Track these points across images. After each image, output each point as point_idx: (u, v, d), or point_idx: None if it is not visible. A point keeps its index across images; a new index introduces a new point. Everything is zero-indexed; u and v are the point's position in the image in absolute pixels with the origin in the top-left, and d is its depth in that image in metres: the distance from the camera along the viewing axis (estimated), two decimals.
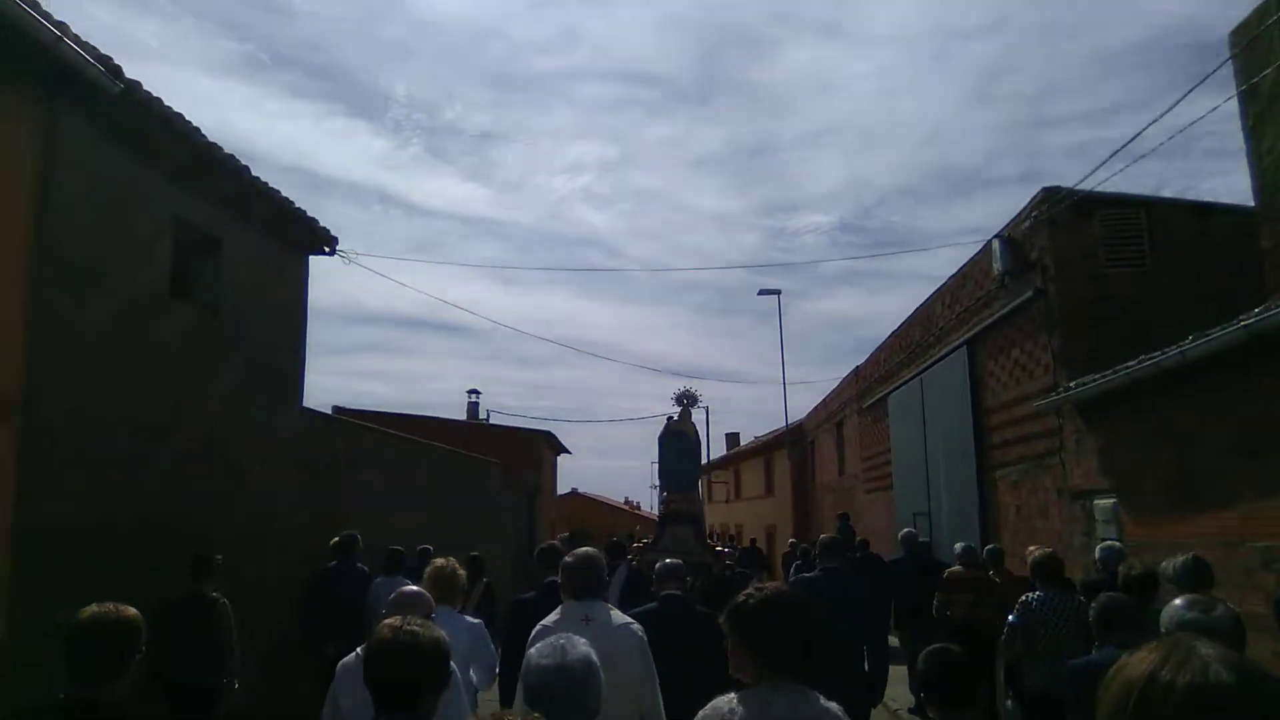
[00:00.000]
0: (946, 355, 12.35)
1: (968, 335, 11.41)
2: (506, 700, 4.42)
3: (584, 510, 62.69)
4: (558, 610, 3.73)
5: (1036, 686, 5.70)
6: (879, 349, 17.40)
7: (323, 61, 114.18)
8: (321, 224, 9.42)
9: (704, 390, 15.70)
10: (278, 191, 8.54)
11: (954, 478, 12.21)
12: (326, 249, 9.73)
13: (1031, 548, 8.31)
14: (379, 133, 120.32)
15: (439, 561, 4.49)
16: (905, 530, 11.50)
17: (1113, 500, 7.79)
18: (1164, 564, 4.40)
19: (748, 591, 2.46)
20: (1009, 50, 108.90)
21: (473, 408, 29.82)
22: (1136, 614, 3.83)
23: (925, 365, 13.53)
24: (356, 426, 11.69)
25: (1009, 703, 7.87)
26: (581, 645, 2.24)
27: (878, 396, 17.10)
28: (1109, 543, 6.91)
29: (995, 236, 10.05)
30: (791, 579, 6.98)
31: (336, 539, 8.24)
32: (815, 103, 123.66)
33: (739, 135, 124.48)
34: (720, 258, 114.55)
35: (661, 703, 3.57)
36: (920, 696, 2.72)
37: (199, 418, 7.52)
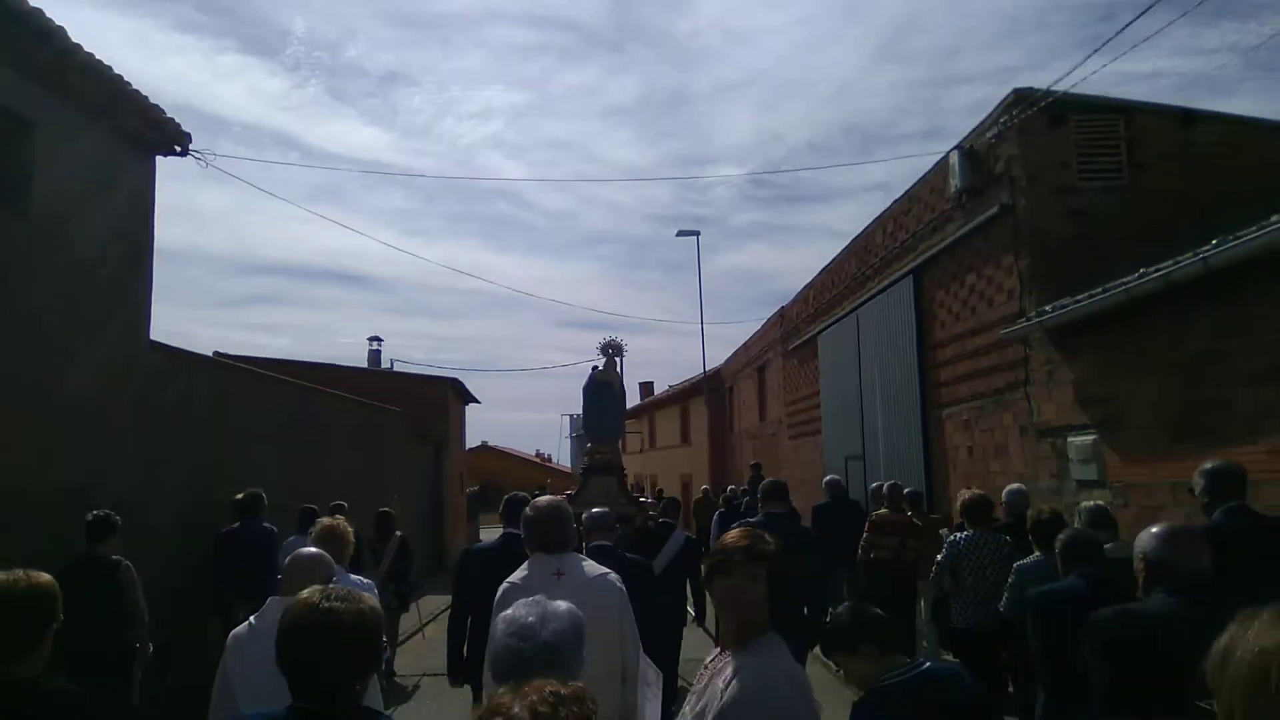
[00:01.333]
0: (889, 287, 11.42)
1: (915, 263, 10.47)
2: (454, 660, 4.41)
3: (494, 463, 61.63)
4: (525, 565, 3.43)
5: (962, 622, 5.86)
6: (807, 287, 16.47)
7: None
8: (171, 116, 7.77)
9: (621, 339, 15.09)
10: (109, 68, 6.88)
11: (894, 418, 11.38)
12: (177, 148, 8.07)
13: (963, 490, 7.84)
14: (275, 71, 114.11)
15: (325, 521, 4.25)
16: (830, 477, 10.80)
17: (1092, 436, 6.95)
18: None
19: (759, 535, 2.29)
20: (917, 7, 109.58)
21: (374, 356, 27.97)
22: (1100, 548, 3.88)
23: (862, 300, 12.61)
24: (227, 367, 10.09)
25: (925, 642, 7.99)
26: (561, 614, 1.90)
27: (806, 337, 16.21)
28: (1015, 486, 6.89)
29: (954, 149, 9.06)
30: (735, 525, 6.07)
31: (240, 496, 7.78)
32: (729, 54, 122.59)
33: (652, 86, 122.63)
34: (632, 211, 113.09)
35: (642, 657, 3.36)
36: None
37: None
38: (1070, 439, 7.25)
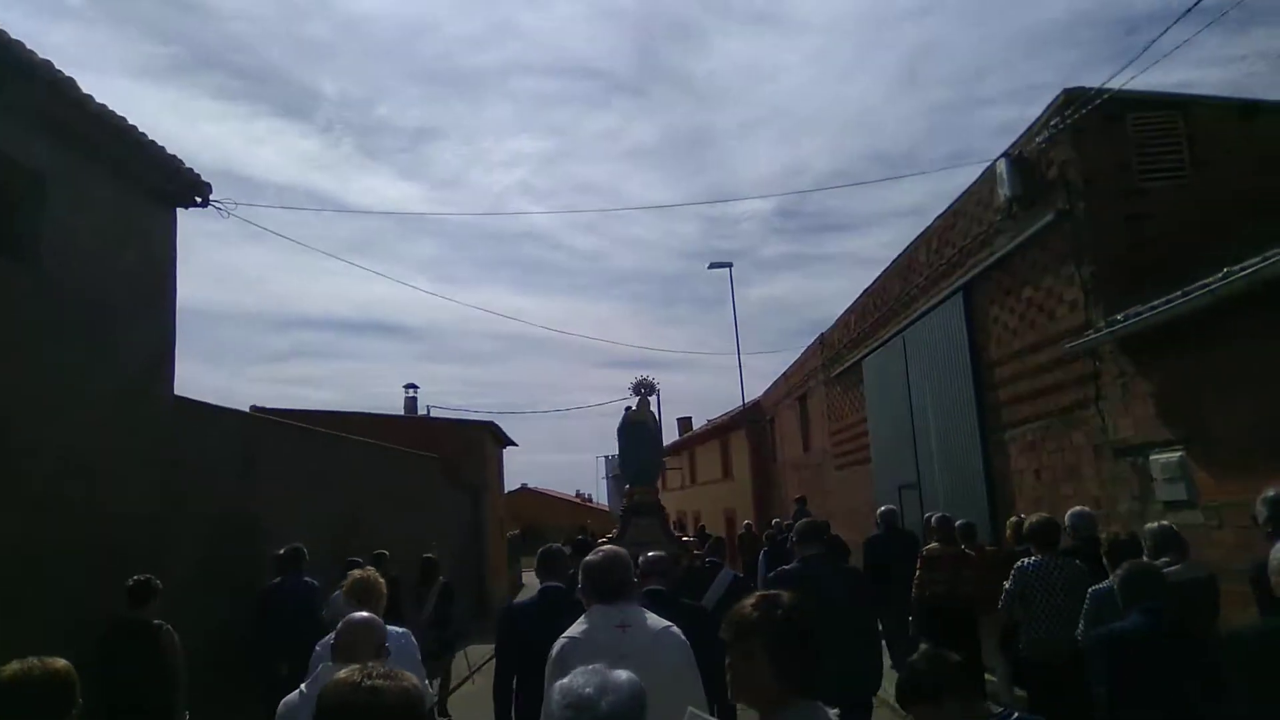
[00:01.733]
0: (937, 306, 10.92)
1: (963, 280, 9.98)
2: (502, 714, 4.19)
3: (534, 506, 61.22)
4: (584, 618, 3.23)
5: (1032, 652, 5.63)
6: (848, 311, 15.98)
7: (248, 62, 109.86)
8: (189, 166, 7.58)
9: (653, 377, 15.00)
10: (123, 119, 6.69)
11: (950, 443, 10.81)
12: (197, 199, 7.87)
13: (1012, 518, 7.54)
14: (308, 133, 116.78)
15: (356, 573, 4.18)
16: (884, 508, 10.32)
17: (1178, 453, 6.38)
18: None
19: (761, 600, 2.10)
20: (936, 33, 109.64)
21: (411, 403, 27.84)
22: (1162, 580, 3.74)
23: (908, 321, 12.11)
24: (256, 420, 9.84)
25: (994, 676, 7.60)
26: (621, 684, 1.73)
27: (849, 363, 15.69)
28: (1079, 509, 6.50)
29: (1002, 156, 8.61)
30: (770, 574, 6.37)
31: (281, 551, 7.76)
32: (749, 91, 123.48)
33: (676, 126, 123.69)
34: (661, 247, 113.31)
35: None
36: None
37: (15, 402, 5.69)
38: (1153, 457, 6.68)
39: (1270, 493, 4.08)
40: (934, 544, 7.83)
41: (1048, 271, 8.15)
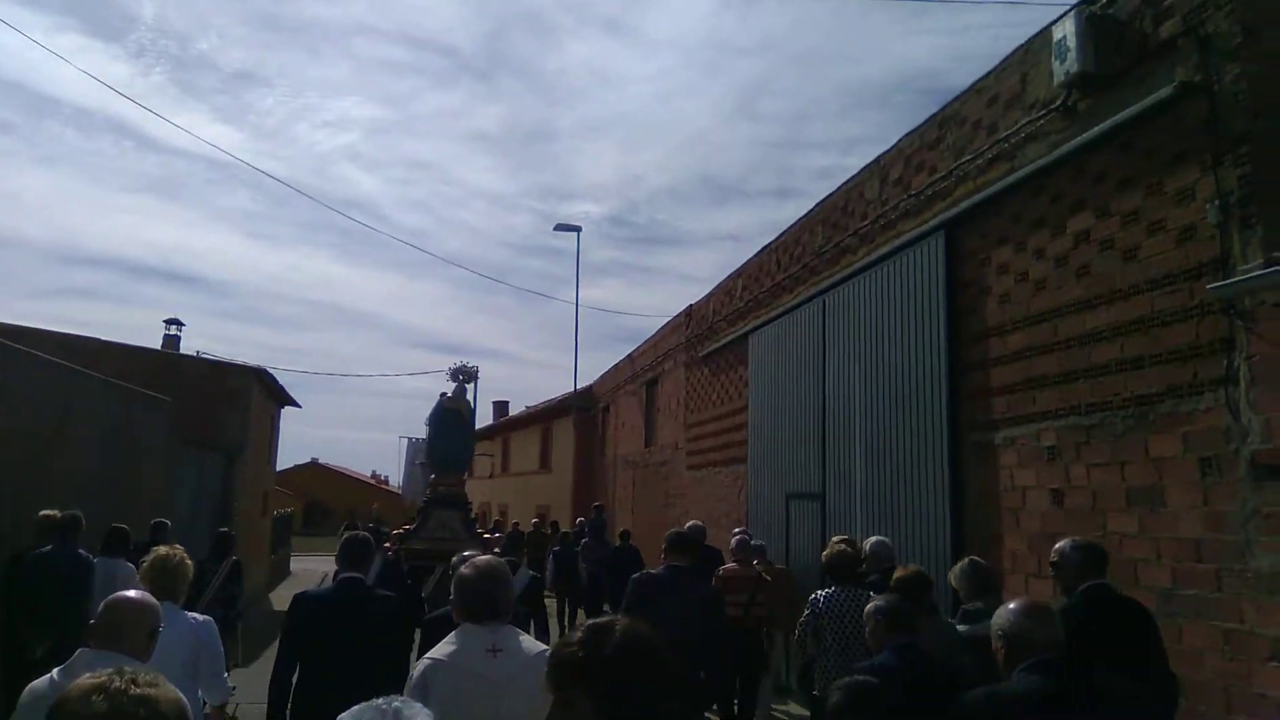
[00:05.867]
0: (893, 254, 7.96)
1: (950, 214, 7.05)
2: (277, 709, 3.94)
3: (323, 482, 55.76)
4: (453, 638, 2.88)
5: (824, 688, 5.20)
6: (733, 275, 12.92)
7: None
8: None
9: (473, 364, 12.61)
10: None
11: (886, 444, 7.90)
12: None
13: (838, 542, 6.11)
14: (118, 56, 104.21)
15: (161, 550, 3.77)
16: (690, 524, 8.39)
17: None
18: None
19: (587, 632, 1.64)
20: (773, 72, 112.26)
21: (171, 342, 22.57)
22: (914, 617, 3.75)
23: (835, 279, 9.13)
24: None
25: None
26: None
27: (728, 338, 12.66)
28: (878, 538, 6.26)
29: (1069, 12, 5.69)
30: (636, 575, 5.35)
31: (59, 515, 6.68)
32: (594, 95, 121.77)
33: (518, 117, 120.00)
34: (491, 237, 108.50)
35: None
36: None
37: None
38: None
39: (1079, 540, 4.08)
40: (731, 564, 7.55)
41: (1130, 187, 5.28)
